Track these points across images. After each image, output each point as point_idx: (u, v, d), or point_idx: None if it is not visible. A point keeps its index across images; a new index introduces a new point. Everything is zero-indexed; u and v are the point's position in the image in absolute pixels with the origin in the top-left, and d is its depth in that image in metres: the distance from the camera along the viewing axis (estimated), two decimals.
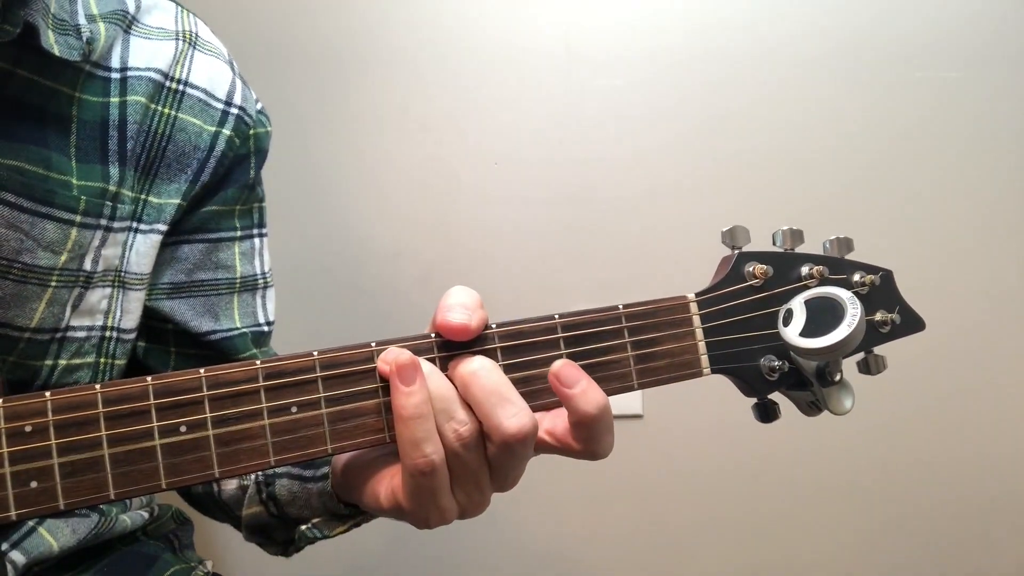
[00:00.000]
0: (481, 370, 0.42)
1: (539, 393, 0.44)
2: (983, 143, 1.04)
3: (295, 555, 0.59)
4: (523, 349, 0.45)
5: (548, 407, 0.45)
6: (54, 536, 0.51)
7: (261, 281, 0.61)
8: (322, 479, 0.53)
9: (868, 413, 1.01)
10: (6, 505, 0.37)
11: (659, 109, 1.04)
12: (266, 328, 0.61)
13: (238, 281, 0.59)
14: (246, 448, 0.40)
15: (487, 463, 0.42)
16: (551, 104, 1.04)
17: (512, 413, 0.41)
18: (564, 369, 0.43)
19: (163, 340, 0.57)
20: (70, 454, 0.38)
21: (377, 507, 0.46)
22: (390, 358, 0.41)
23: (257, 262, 0.61)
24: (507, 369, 0.44)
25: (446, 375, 0.42)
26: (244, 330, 0.59)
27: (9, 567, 0.48)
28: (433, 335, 0.44)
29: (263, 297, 0.61)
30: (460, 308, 0.42)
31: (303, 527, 0.54)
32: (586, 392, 0.42)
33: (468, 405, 0.42)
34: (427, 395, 0.41)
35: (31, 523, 0.50)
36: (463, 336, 0.42)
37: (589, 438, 0.43)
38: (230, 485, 0.59)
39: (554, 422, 0.45)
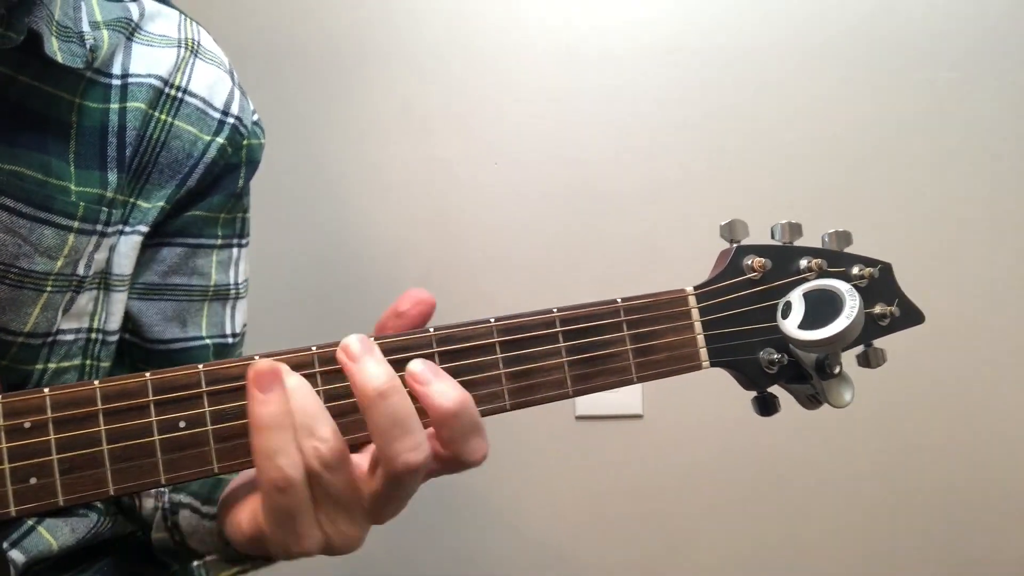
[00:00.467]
0: (393, 393, 0.38)
1: (538, 387, 0.44)
2: (981, 141, 1.04)
3: None
4: (522, 343, 0.45)
5: (546, 401, 0.45)
6: (53, 535, 0.51)
7: (233, 291, 0.60)
8: (215, 517, 0.50)
9: (868, 409, 1.01)
10: (5, 501, 0.37)
11: (658, 107, 1.04)
12: (231, 340, 0.60)
13: (211, 289, 0.58)
14: (245, 443, 0.40)
15: (358, 488, 0.40)
16: (551, 103, 1.05)
17: (411, 446, 0.38)
18: (417, 366, 0.40)
19: (129, 354, 0.56)
20: (69, 450, 0.38)
21: (240, 536, 0.43)
22: (256, 366, 0.39)
23: (232, 272, 0.60)
24: (505, 363, 0.44)
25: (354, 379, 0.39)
26: (207, 341, 0.58)
27: (9, 566, 0.48)
28: (432, 329, 0.43)
29: (233, 308, 0.60)
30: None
31: (196, 563, 0.53)
32: (442, 392, 0.39)
33: (336, 421, 0.39)
34: (286, 407, 0.38)
35: (30, 522, 0.50)
36: (427, 302, 0.43)
37: (453, 440, 0.40)
38: (147, 504, 0.56)
39: None
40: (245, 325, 0.62)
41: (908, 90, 1.04)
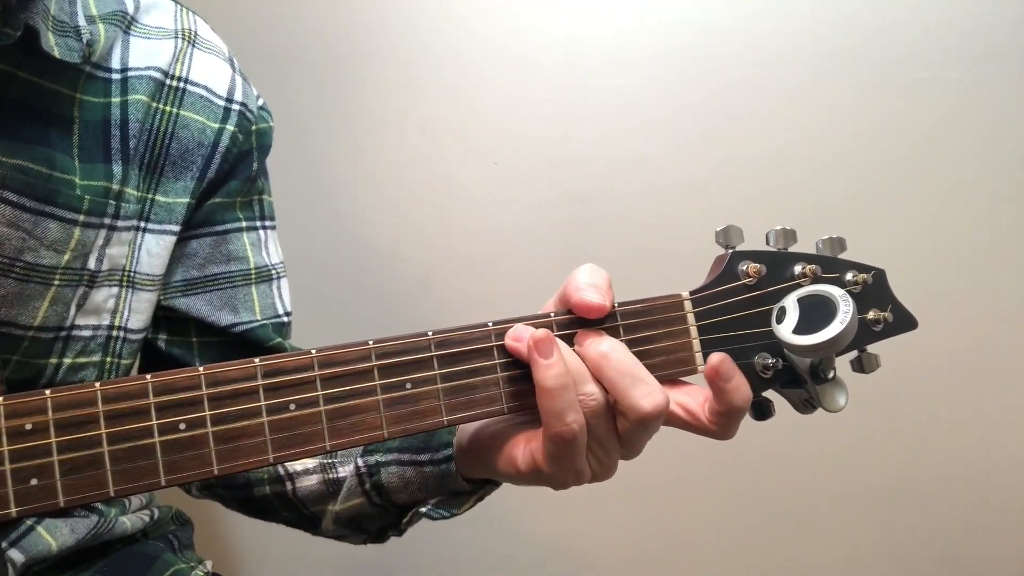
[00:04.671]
0: (612, 351, 0.44)
1: None
2: (983, 143, 1.04)
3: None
4: None
5: None
6: (52, 535, 0.51)
7: (274, 271, 0.62)
8: (443, 461, 0.53)
9: (866, 412, 1.01)
10: (6, 502, 0.38)
11: (658, 110, 1.05)
12: (285, 318, 0.62)
13: (253, 272, 0.60)
14: (245, 445, 0.41)
15: (615, 433, 0.45)
16: (551, 104, 1.05)
17: (647, 392, 0.44)
18: (723, 364, 0.45)
19: (184, 332, 0.58)
20: (70, 452, 0.38)
21: (514, 472, 0.47)
22: (525, 335, 0.44)
23: (266, 253, 0.61)
24: (503, 367, 0.45)
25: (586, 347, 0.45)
26: (265, 322, 0.59)
27: (8, 566, 0.48)
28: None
29: (279, 287, 0.62)
30: (594, 288, 0.45)
31: (423, 509, 0.55)
32: (739, 387, 0.46)
33: (604, 377, 0.44)
34: (565, 367, 0.43)
35: (29, 522, 0.50)
36: (599, 314, 0.45)
37: (728, 424, 0.47)
38: (309, 481, 0.59)
39: (687, 399, 0.48)
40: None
41: (908, 97, 1.04)
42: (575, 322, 0.46)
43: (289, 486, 0.59)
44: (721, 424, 0.47)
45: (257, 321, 0.59)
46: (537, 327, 0.45)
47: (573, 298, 0.45)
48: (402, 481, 0.55)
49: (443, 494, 0.55)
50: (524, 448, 0.47)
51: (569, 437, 0.43)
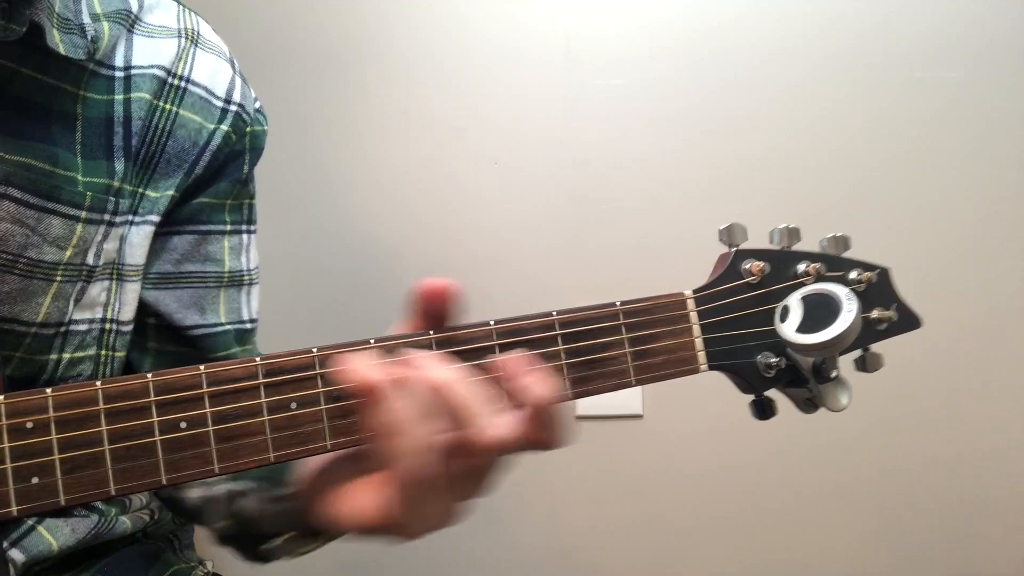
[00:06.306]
0: (455, 381, 0.40)
1: None
2: (984, 143, 1.04)
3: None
4: (521, 346, 0.45)
5: None
6: (53, 535, 0.51)
7: (247, 277, 0.61)
8: (291, 498, 0.51)
9: (868, 412, 1.01)
10: (7, 501, 0.37)
11: (658, 109, 1.05)
12: (249, 325, 0.61)
13: (226, 275, 0.59)
14: (246, 444, 0.41)
15: (463, 469, 0.41)
16: (551, 104, 1.05)
17: (487, 423, 0.40)
18: (508, 363, 0.42)
19: (142, 334, 0.57)
20: (71, 450, 0.38)
21: (356, 525, 0.43)
22: (358, 378, 0.39)
23: (244, 258, 0.61)
24: None
25: (421, 378, 0.41)
26: (228, 327, 0.59)
27: (9, 566, 0.48)
28: (432, 332, 0.44)
29: (248, 294, 0.61)
30: (432, 280, 0.42)
31: (271, 546, 0.53)
32: (537, 381, 0.41)
33: (444, 411, 0.40)
34: (411, 403, 0.39)
35: (30, 522, 0.50)
36: (446, 295, 0.42)
37: (543, 426, 0.41)
38: (193, 494, 0.57)
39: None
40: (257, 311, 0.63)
41: (909, 96, 1.05)
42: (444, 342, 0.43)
43: (182, 495, 0.58)
44: (536, 428, 0.41)
45: (220, 325, 0.58)
46: (418, 346, 0.41)
47: (420, 290, 0.42)
48: (260, 514, 0.53)
49: (297, 530, 0.52)
50: (372, 496, 0.42)
51: (418, 477, 0.39)
